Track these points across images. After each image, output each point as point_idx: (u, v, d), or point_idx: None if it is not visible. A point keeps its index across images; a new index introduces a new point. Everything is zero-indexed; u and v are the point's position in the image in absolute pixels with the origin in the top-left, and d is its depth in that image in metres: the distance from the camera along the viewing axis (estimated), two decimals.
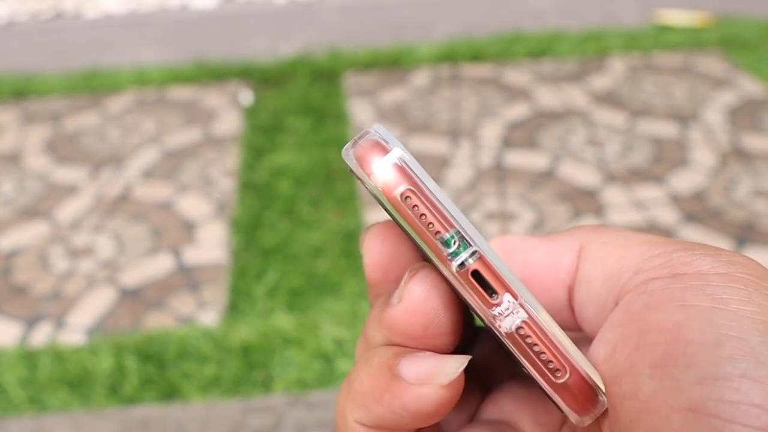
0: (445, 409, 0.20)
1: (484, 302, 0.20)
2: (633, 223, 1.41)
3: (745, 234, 1.37)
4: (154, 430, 1.07)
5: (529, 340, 0.20)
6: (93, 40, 2.08)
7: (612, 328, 0.20)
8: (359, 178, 0.20)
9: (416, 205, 0.19)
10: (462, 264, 0.20)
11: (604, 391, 0.20)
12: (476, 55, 2.02)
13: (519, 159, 1.63)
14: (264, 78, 1.98)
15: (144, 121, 1.85)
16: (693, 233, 1.38)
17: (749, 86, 1.84)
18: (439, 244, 0.20)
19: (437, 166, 1.61)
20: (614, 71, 1.95)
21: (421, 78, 1.96)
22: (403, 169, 0.20)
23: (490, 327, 0.20)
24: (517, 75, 1.96)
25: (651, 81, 1.90)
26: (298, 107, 1.84)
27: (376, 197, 0.20)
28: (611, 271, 0.21)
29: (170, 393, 1.12)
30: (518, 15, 2.14)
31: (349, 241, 1.41)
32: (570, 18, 2.15)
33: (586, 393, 0.20)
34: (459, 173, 1.59)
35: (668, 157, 1.61)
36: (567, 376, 0.20)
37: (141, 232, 1.47)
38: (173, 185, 1.60)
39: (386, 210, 0.20)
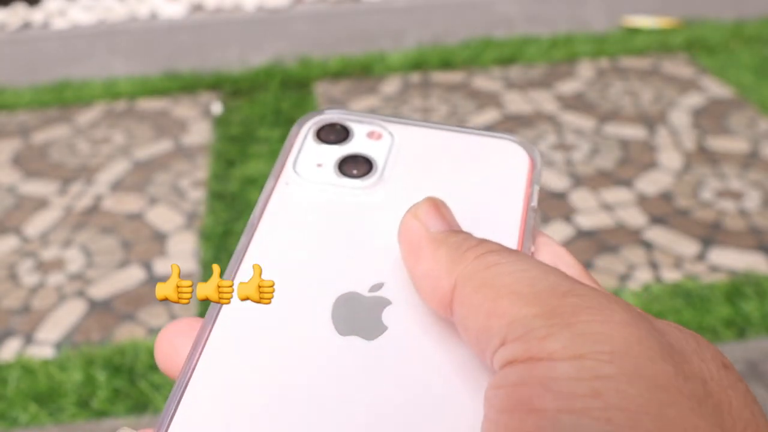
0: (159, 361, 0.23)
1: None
2: (602, 226, 1.43)
3: (711, 233, 1.39)
4: None
5: None
6: (62, 51, 2.06)
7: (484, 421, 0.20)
8: None
9: None
10: None
11: None
12: (446, 63, 2.04)
13: None
14: (234, 88, 1.98)
15: (114, 134, 1.84)
16: (661, 234, 1.40)
17: (715, 89, 1.87)
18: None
19: None
20: (582, 76, 1.97)
21: (391, 86, 1.97)
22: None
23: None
24: (486, 81, 1.97)
25: (619, 85, 1.92)
26: (268, 117, 1.84)
27: None
28: (481, 329, 0.20)
29: (141, 405, 1.12)
30: (488, 22, 2.16)
31: None
32: (539, 25, 2.17)
33: None
34: None
35: (636, 160, 1.62)
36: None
37: (111, 245, 1.46)
38: (143, 197, 1.60)
39: None
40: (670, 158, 1.62)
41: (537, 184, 0.27)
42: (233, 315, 0.23)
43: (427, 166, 0.28)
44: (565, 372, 0.18)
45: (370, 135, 0.29)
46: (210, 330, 0.23)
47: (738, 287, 1.24)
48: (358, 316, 0.23)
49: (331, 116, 0.30)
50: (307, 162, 0.28)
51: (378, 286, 0.24)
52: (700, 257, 1.34)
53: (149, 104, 1.96)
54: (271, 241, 0.26)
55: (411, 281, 0.23)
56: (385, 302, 0.24)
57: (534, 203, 0.27)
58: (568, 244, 1.39)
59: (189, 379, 0.22)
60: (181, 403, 0.21)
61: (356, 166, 0.28)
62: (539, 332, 0.18)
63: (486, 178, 0.28)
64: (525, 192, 0.27)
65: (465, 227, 0.24)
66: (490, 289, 0.20)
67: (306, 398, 0.21)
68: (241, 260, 0.25)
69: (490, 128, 0.28)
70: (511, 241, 0.25)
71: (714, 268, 1.31)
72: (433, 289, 0.22)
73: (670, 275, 1.30)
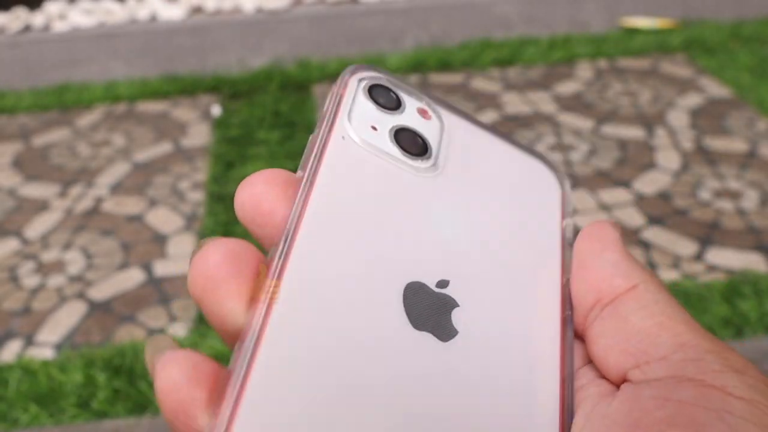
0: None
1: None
2: None
3: (709, 233, 1.40)
4: None
5: None
6: (62, 54, 2.07)
7: (620, 415, 0.20)
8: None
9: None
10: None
11: None
12: (445, 64, 2.04)
13: None
14: (233, 90, 1.99)
15: (114, 136, 1.84)
16: (659, 234, 1.40)
17: (713, 89, 1.87)
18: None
19: None
20: (581, 77, 1.98)
21: None
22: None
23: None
24: (485, 83, 1.98)
25: (617, 85, 1.92)
26: (267, 119, 1.85)
27: None
28: (646, 335, 0.21)
29: (141, 406, 1.12)
30: (486, 23, 2.17)
31: None
32: (537, 26, 2.18)
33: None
34: None
35: (634, 160, 1.63)
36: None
37: (111, 246, 1.47)
38: (143, 199, 1.60)
39: None
40: (668, 158, 1.63)
41: (570, 218, 0.26)
42: (298, 295, 0.20)
43: (472, 166, 0.26)
44: (739, 410, 0.19)
45: (421, 112, 0.26)
46: (269, 308, 0.19)
47: (736, 287, 1.25)
48: (429, 311, 0.21)
49: (380, 76, 0.27)
50: (361, 120, 0.25)
51: (444, 283, 0.22)
52: (698, 257, 1.35)
53: (149, 107, 1.97)
54: (332, 201, 0.22)
55: (583, 262, 0.24)
56: (452, 303, 0.22)
57: (569, 235, 0.25)
58: None
59: (252, 361, 0.18)
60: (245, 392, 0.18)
61: (413, 142, 0.25)
62: (714, 365, 0.20)
63: (524, 197, 0.26)
64: (559, 222, 0.26)
65: (507, 244, 0.24)
66: (668, 308, 0.22)
67: (381, 400, 0.19)
68: (301, 214, 0.21)
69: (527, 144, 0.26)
70: (554, 268, 0.24)
71: (712, 268, 1.32)
72: (613, 278, 0.23)
73: (668, 275, 1.30)
